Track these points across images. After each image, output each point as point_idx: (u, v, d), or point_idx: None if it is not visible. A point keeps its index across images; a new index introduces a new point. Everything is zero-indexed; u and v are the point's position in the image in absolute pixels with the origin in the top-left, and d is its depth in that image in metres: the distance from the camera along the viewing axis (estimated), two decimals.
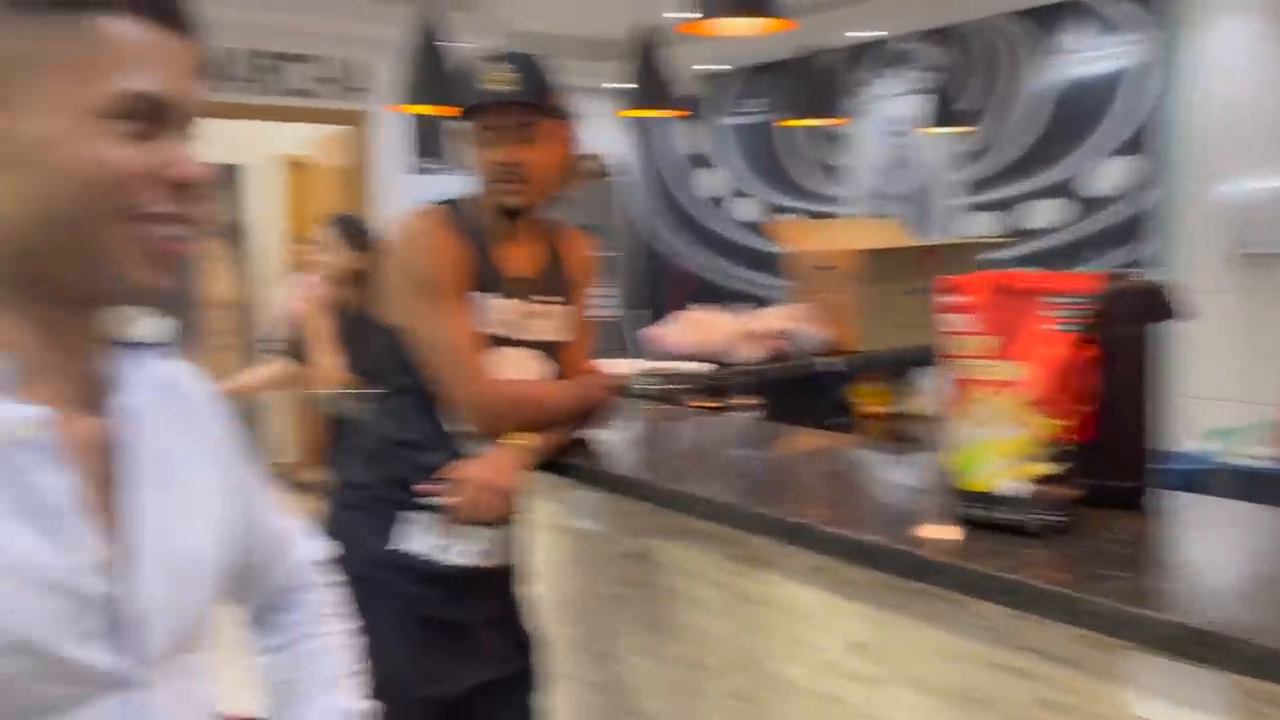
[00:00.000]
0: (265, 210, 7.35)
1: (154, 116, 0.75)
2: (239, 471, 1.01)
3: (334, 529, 1.92)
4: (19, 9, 0.72)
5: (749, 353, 3.35)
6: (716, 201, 7.38)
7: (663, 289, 7.78)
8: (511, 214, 1.88)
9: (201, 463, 0.93)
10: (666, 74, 3.46)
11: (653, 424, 2.54)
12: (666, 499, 1.82)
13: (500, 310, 1.91)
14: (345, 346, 3.38)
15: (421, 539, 1.88)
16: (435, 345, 1.84)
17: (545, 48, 6.49)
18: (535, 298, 1.97)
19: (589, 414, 2.07)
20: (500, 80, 1.79)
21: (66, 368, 0.80)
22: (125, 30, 0.73)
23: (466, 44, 5.71)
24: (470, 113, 1.83)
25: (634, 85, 3.43)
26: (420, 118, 3.96)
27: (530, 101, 1.82)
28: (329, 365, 3.35)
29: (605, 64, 6.91)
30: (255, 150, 7.21)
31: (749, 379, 2.81)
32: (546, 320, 2.00)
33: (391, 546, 1.87)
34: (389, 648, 1.86)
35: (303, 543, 1.11)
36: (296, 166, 7.05)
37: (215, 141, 6.38)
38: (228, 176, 7.37)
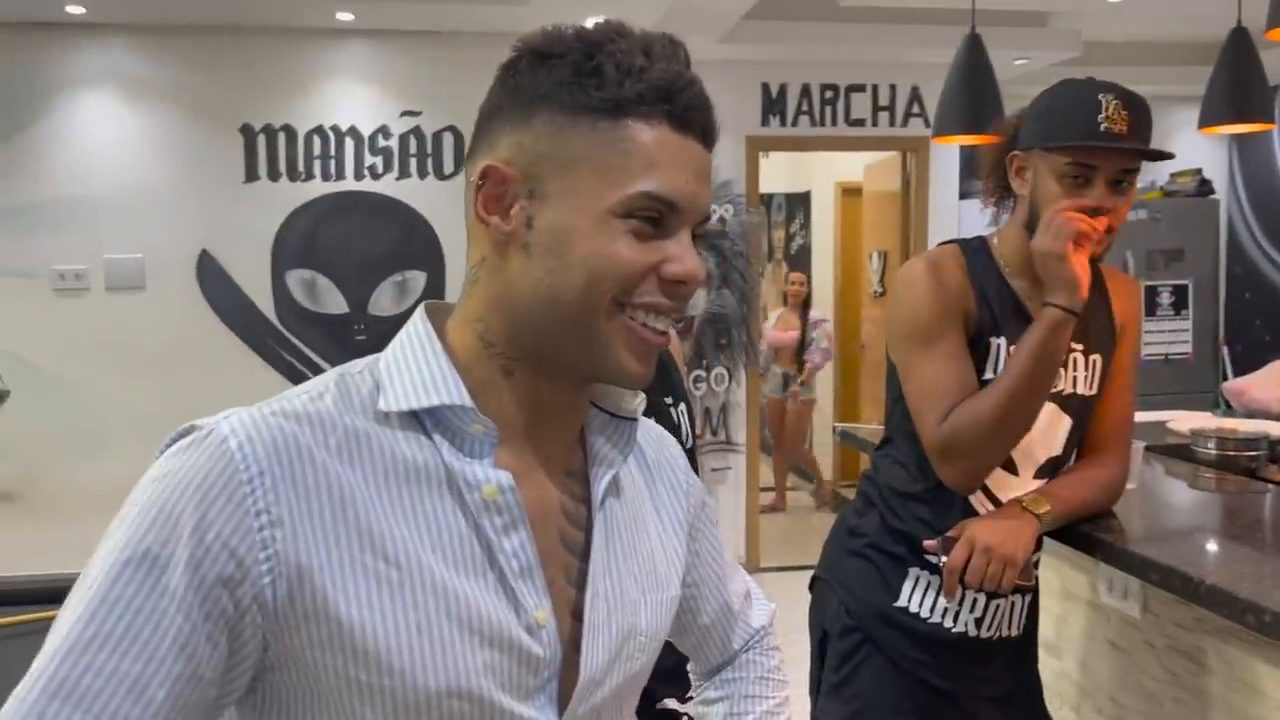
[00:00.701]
0: (824, 235, 7.61)
1: (663, 217, 0.78)
2: (702, 540, 1.02)
3: (835, 574, 1.88)
4: (572, 115, 0.77)
5: None
6: None
7: (1272, 329, 6.67)
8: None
9: (665, 535, 0.94)
10: (1258, 82, 2.92)
11: (1215, 498, 2.14)
12: (1216, 601, 1.50)
13: None
14: None
15: (924, 599, 1.77)
16: (913, 395, 1.72)
17: (1125, 57, 5.91)
18: (1072, 345, 1.76)
19: (1117, 478, 1.80)
20: (1118, 120, 1.62)
21: (546, 438, 0.84)
22: (655, 137, 0.77)
23: (1035, 60, 5.39)
24: (1066, 148, 1.64)
25: (1220, 95, 2.94)
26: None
27: (1144, 149, 1.64)
28: None
29: (1199, 69, 6.14)
30: (819, 177, 7.51)
31: None
32: (1080, 370, 1.77)
33: (898, 603, 1.78)
34: (878, 705, 1.78)
35: (754, 606, 1.12)
36: (848, 193, 7.20)
37: (789, 172, 6.75)
38: (800, 204, 7.81)
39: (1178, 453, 2.45)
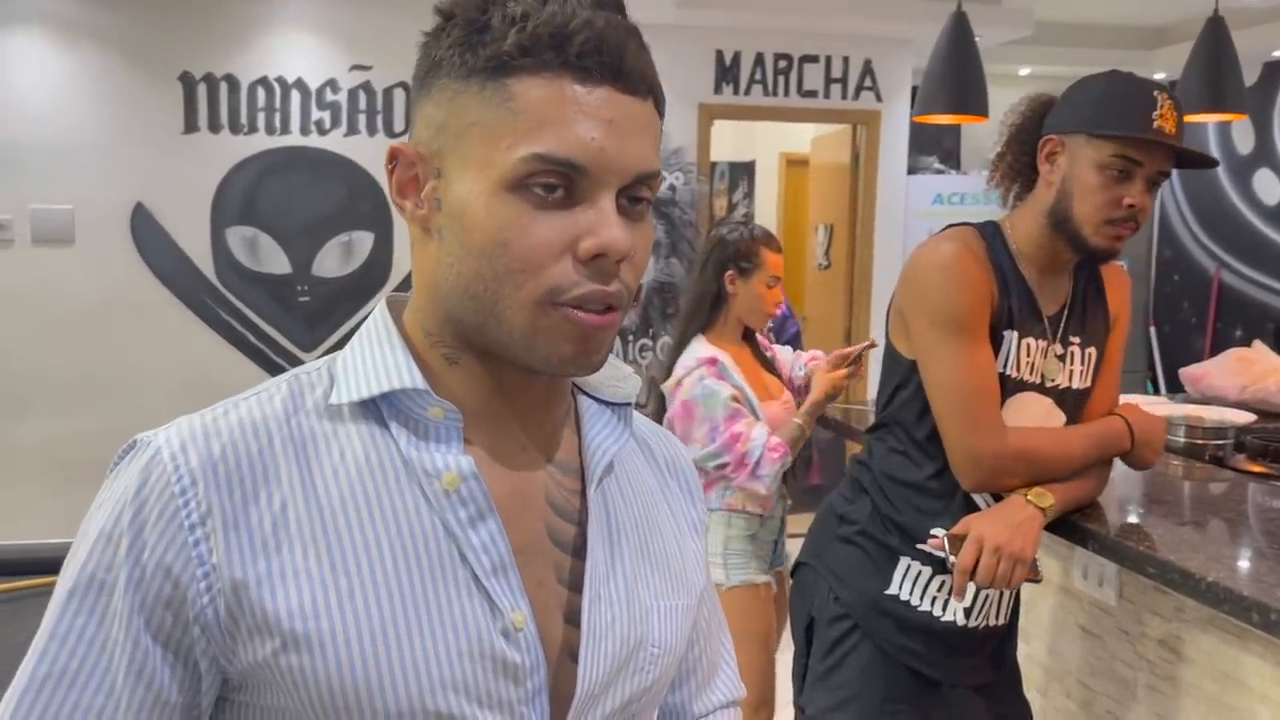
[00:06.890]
0: (768, 205, 7.60)
1: (570, 182, 0.67)
2: (702, 569, 0.90)
3: (824, 561, 1.86)
4: (464, 80, 0.68)
5: None
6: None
7: (1199, 311, 6.85)
8: (1102, 258, 1.71)
9: (682, 538, 0.86)
10: (1232, 71, 2.95)
11: (1186, 487, 2.18)
12: (1196, 589, 1.52)
13: (1030, 352, 1.71)
14: None
15: (914, 587, 1.76)
16: (945, 385, 1.68)
17: (1074, 38, 5.96)
18: (1070, 339, 1.75)
19: (1107, 466, 1.81)
20: (1170, 119, 1.59)
21: (517, 423, 0.75)
22: (547, 91, 0.66)
23: (987, 39, 5.41)
24: (1118, 139, 1.60)
25: (1197, 83, 2.96)
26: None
27: (1194, 153, 1.64)
28: None
29: (1147, 53, 6.24)
30: (763, 147, 7.48)
31: None
32: (1077, 365, 1.77)
33: (889, 591, 1.76)
34: (866, 694, 1.77)
35: (725, 674, 1.00)
36: (793, 164, 7.19)
37: (733, 141, 6.60)
38: (744, 173, 7.78)
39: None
